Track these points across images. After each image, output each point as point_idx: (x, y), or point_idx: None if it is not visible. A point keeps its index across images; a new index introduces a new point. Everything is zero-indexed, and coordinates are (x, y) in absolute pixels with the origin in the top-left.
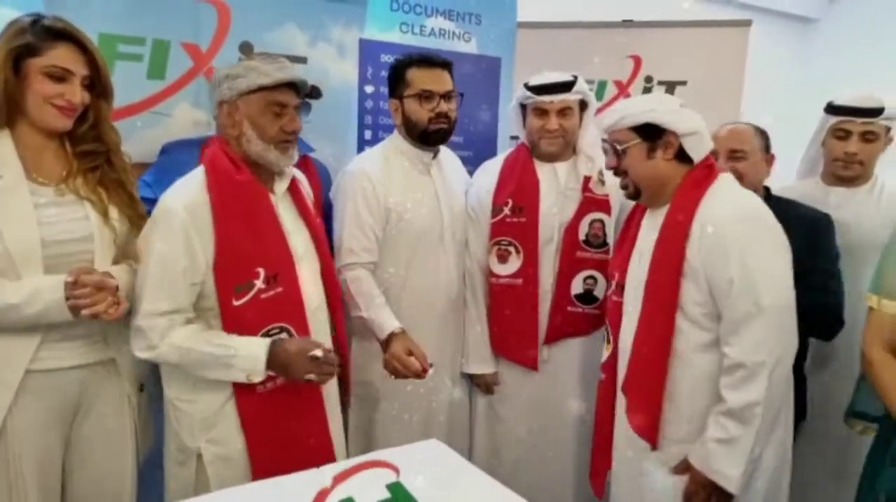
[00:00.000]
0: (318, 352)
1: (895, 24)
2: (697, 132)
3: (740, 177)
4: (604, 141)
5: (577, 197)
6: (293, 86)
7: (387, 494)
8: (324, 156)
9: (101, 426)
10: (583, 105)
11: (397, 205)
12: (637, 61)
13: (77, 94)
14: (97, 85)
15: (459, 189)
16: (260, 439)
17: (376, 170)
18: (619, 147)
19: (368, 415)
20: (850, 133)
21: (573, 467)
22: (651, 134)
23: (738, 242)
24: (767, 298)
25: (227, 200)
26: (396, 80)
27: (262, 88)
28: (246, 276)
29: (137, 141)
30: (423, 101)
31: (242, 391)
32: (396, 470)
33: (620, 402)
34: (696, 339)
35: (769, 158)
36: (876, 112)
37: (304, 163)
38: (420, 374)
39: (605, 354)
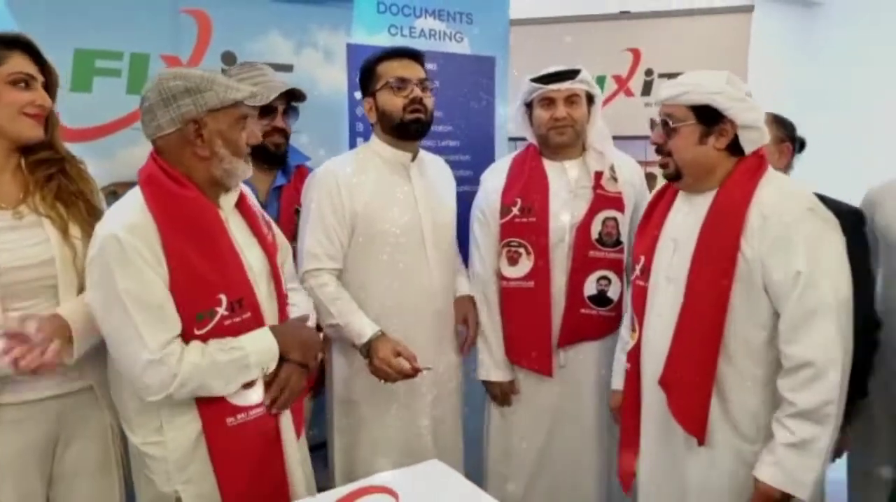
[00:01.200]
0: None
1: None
2: (757, 127)
3: None
4: (658, 116)
5: (589, 195)
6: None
7: None
8: (316, 165)
9: (85, 457)
10: (590, 98)
11: (367, 209)
12: (636, 54)
13: (47, 99)
14: (50, 90)
15: (446, 196)
16: (230, 475)
17: (345, 171)
18: (671, 123)
19: (353, 437)
20: None
21: (594, 478)
22: (709, 117)
23: (804, 234)
24: (836, 293)
25: (174, 219)
26: (368, 79)
27: (236, 104)
28: (208, 304)
29: (120, 159)
30: (395, 90)
31: (212, 426)
32: (396, 495)
33: (651, 392)
34: (743, 334)
35: (784, 148)
36: None
37: (300, 174)
38: (411, 374)
39: (631, 342)
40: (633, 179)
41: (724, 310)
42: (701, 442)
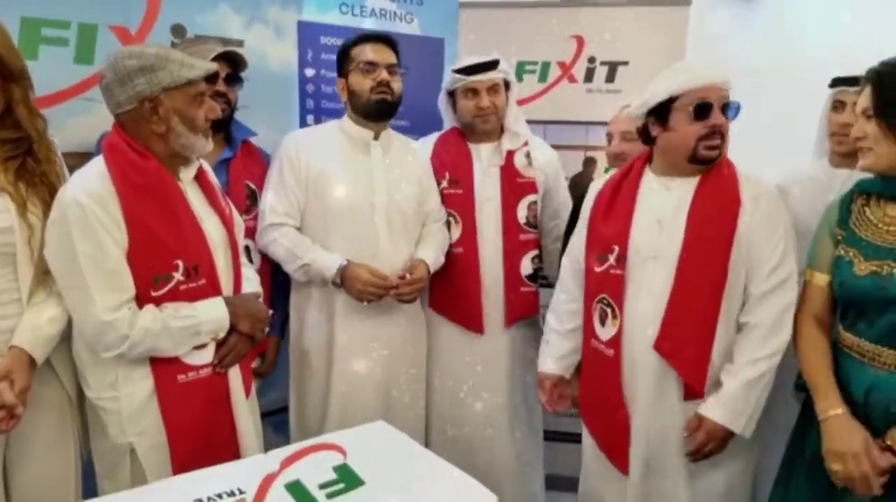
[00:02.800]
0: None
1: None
2: None
3: (625, 158)
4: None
5: (497, 174)
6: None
7: (334, 475)
8: (265, 141)
9: (40, 426)
10: (507, 85)
11: (321, 176)
12: (580, 42)
13: None
14: (1, 69)
15: (409, 175)
16: (179, 429)
17: (305, 138)
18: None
19: (307, 396)
20: (844, 104)
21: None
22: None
23: (782, 217)
24: (794, 267)
25: (134, 187)
26: (343, 61)
27: (191, 81)
28: (164, 268)
29: (69, 129)
30: (365, 73)
31: (164, 382)
32: (343, 452)
33: (645, 360)
34: (735, 294)
35: (639, 130)
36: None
37: (246, 148)
38: (394, 285)
39: (612, 331)
40: (545, 166)
41: (724, 276)
42: (700, 394)
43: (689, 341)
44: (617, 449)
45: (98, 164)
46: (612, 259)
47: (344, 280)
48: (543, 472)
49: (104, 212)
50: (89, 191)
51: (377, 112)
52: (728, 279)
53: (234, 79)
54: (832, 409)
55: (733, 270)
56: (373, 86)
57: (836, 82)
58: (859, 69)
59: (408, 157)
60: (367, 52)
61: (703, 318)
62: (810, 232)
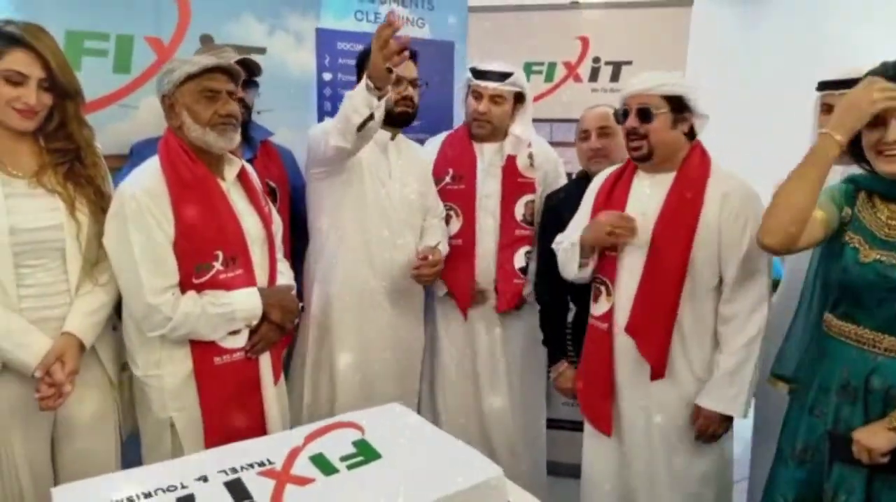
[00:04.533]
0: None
1: (840, 1)
2: (707, 116)
3: (608, 153)
4: (627, 106)
5: (498, 174)
6: (227, 72)
7: (353, 449)
8: (286, 141)
9: (84, 405)
10: (519, 98)
11: (357, 164)
12: (585, 42)
13: (33, 97)
14: (57, 87)
15: (416, 173)
16: (213, 406)
17: None
18: (653, 110)
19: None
20: (832, 107)
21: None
22: (679, 107)
23: (754, 213)
24: (767, 260)
25: (182, 184)
26: (362, 67)
27: (190, 77)
28: (205, 257)
29: (107, 133)
30: (392, 85)
31: (202, 363)
32: (362, 429)
33: (624, 340)
34: (701, 283)
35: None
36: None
37: (265, 148)
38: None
39: (605, 307)
40: (545, 166)
41: (684, 266)
42: (661, 375)
43: (650, 325)
44: (602, 415)
45: (154, 163)
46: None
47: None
48: (545, 458)
49: (156, 206)
50: (145, 187)
51: (399, 122)
52: (693, 269)
53: (249, 83)
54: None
55: (698, 262)
56: (397, 99)
57: (823, 86)
58: (844, 72)
59: (414, 157)
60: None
61: (665, 305)
62: None
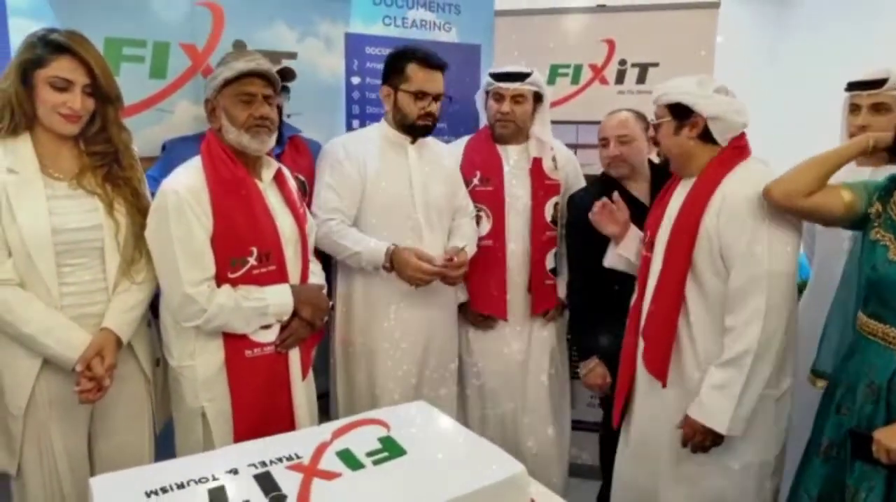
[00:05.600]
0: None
1: (870, 2)
2: (721, 118)
3: (626, 158)
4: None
5: (525, 176)
6: (263, 76)
7: (379, 445)
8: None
9: (121, 399)
10: (538, 98)
11: (371, 175)
12: (611, 45)
13: (77, 102)
14: (99, 92)
15: (441, 174)
16: (243, 397)
17: (351, 143)
18: (657, 120)
19: (353, 377)
20: (859, 107)
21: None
22: (681, 113)
23: (752, 215)
24: (770, 268)
25: (221, 183)
26: (395, 70)
27: (228, 82)
28: (240, 252)
29: (143, 137)
30: (416, 99)
31: (234, 355)
32: (388, 426)
33: (640, 345)
34: (711, 291)
35: (652, 138)
36: (880, 83)
37: (293, 143)
38: (440, 268)
39: (634, 304)
40: (567, 167)
41: (682, 273)
42: (664, 385)
43: (654, 332)
44: (616, 409)
45: (196, 162)
46: (645, 243)
47: (394, 264)
48: (567, 459)
49: (196, 202)
50: (186, 184)
51: (418, 134)
52: (699, 277)
53: (281, 88)
54: None
55: (702, 269)
56: (420, 114)
57: (851, 86)
58: (872, 72)
59: (438, 158)
60: (423, 81)
61: (666, 313)
62: (829, 231)
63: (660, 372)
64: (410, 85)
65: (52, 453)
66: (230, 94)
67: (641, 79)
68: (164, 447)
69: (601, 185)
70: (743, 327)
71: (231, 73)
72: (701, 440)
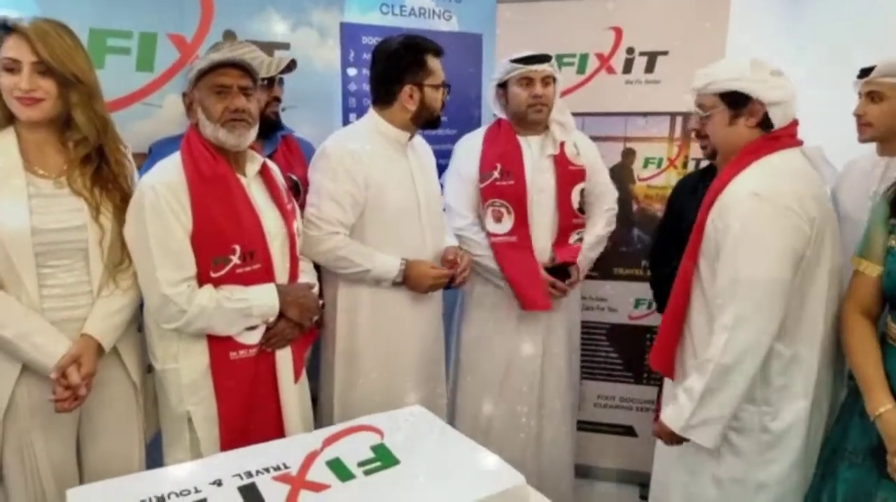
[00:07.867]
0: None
1: None
2: (784, 102)
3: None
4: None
5: (549, 166)
6: (239, 67)
7: (371, 454)
8: (310, 137)
9: (108, 406)
10: (553, 80)
11: (376, 182)
12: (618, 33)
13: (25, 81)
14: (53, 72)
15: (432, 171)
16: (228, 401)
17: (354, 147)
18: (702, 112)
19: (351, 387)
20: (861, 95)
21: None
22: (737, 101)
23: (739, 216)
24: (755, 271)
25: (201, 178)
26: (413, 65)
27: (202, 73)
28: (223, 251)
29: (130, 132)
30: (441, 91)
31: (218, 357)
32: (381, 433)
33: None
34: (703, 294)
35: (694, 130)
36: (871, 70)
37: (286, 143)
38: (452, 274)
39: None
40: (588, 154)
41: (687, 272)
42: (671, 378)
43: (661, 328)
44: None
45: (175, 158)
46: None
47: (408, 279)
48: (573, 460)
49: (175, 198)
50: (164, 179)
51: (432, 125)
52: (702, 280)
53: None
54: (882, 406)
55: (703, 271)
56: (440, 105)
57: (864, 73)
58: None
59: (426, 154)
60: (441, 72)
61: (672, 310)
62: (852, 220)
63: (663, 367)
64: (435, 78)
65: (34, 461)
66: (204, 87)
67: (650, 68)
68: (157, 454)
69: (704, 173)
70: (714, 334)
71: (205, 64)
72: (667, 436)
